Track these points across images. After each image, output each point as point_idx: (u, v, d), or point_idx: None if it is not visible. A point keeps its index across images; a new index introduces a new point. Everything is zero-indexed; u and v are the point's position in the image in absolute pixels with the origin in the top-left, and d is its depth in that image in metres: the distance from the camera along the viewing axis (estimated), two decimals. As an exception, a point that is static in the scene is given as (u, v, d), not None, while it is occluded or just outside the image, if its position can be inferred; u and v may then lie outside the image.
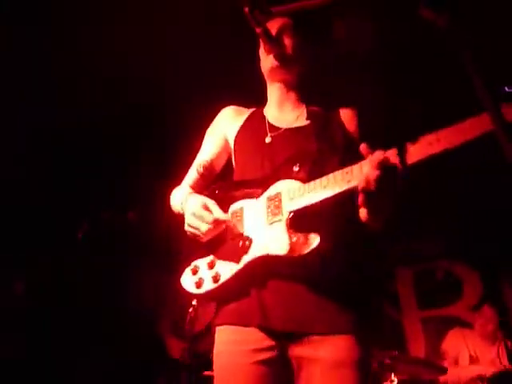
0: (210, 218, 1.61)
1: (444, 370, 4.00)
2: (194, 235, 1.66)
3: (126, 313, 4.56)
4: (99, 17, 3.17)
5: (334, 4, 1.66)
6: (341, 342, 1.49)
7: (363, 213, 1.43)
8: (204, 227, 1.61)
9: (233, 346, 1.56)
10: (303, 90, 1.88)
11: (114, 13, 3.13)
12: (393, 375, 3.42)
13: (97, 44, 3.31)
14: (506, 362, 4.16)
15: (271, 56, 1.80)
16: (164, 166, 4.30)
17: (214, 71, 3.64)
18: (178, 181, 2.01)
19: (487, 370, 4.05)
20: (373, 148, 1.37)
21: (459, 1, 1.29)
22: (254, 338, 1.53)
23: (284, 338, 1.52)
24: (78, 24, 3.24)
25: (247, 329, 1.55)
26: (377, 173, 1.30)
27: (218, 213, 1.63)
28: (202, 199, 1.67)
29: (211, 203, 1.65)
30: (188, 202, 1.71)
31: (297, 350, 1.52)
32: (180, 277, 1.69)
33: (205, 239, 1.65)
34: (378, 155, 1.33)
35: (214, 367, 1.60)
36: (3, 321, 4.19)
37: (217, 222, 1.62)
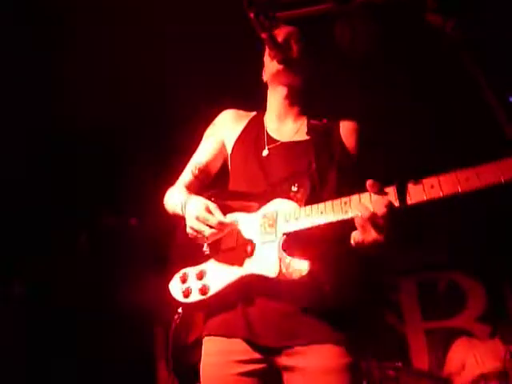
0: (214, 221, 1.59)
1: (447, 383, 3.96)
2: (196, 238, 1.64)
3: (121, 324, 4.51)
4: (99, 17, 3.18)
5: (338, 11, 1.66)
6: (325, 351, 1.50)
7: (355, 243, 1.40)
8: (208, 231, 1.59)
9: (219, 356, 1.56)
10: (305, 101, 1.87)
11: (114, 13, 3.14)
12: (396, 387, 3.38)
13: (97, 44, 3.32)
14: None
15: (275, 61, 1.80)
16: (163, 169, 4.29)
17: (214, 72, 3.63)
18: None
19: (489, 367, 3.97)
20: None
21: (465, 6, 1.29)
22: (239, 349, 1.54)
23: (268, 351, 1.53)
24: (78, 24, 3.25)
25: (233, 340, 1.56)
26: (376, 217, 1.30)
27: (221, 216, 1.61)
28: (204, 202, 1.65)
29: (214, 206, 1.63)
30: (189, 205, 1.68)
31: (283, 361, 1.52)
32: (168, 282, 1.69)
33: (207, 242, 1.64)
34: (379, 199, 1.32)
35: (201, 378, 1.60)
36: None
37: (221, 226, 1.60)
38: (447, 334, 5.17)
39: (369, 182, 1.35)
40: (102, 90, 3.67)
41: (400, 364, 3.50)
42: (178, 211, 1.77)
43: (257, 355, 1.53)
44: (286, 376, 1.53)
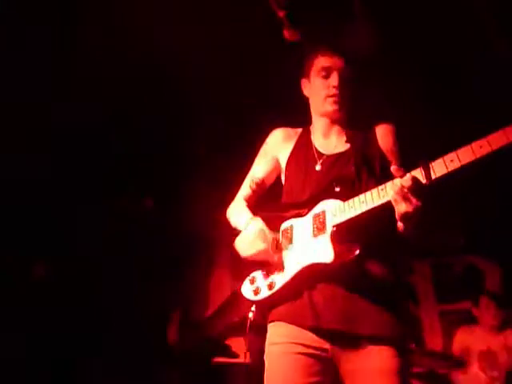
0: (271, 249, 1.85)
1: (462, 364, 3.96)
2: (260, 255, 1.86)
3: (137, 306, 4.54)
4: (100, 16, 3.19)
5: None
6: (385, 352, 1.65)
7: (400, 226, 1.60)
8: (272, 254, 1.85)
9: (285, 338, 1.75)
10: (347, 119, 2.04)
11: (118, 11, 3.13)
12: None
13: (97, 44, 3.34)
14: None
15: (331, 100, 1.96)
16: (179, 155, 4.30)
17: (240, 73, 3.62)
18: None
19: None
20: (403, 166, 1.57)
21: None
22: (306, 336, 1.71)
23: (334, 340, 1.69)
24: (79, 24, 3.27)
25: (300, 329, 1.73)
26: (405, 190, 1.49)
27: (272, 243, 1.86)
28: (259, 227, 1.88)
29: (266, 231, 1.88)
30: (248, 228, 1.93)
31: (343, 357, 1.69)
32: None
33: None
34: (406, 177, 1.52)
35: (266, 358, 1.79)
36: (15, 312, 4.02)
37: (276, 248, 1.86)
38: (462, 316, 5.15)
39: (392, 168, 1.55)
40: (108, 80, 3.67)
41: (413, 345, 3.51)
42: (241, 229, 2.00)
43: (321, 344, 1.70)
44: (343, 371, 1.69)
